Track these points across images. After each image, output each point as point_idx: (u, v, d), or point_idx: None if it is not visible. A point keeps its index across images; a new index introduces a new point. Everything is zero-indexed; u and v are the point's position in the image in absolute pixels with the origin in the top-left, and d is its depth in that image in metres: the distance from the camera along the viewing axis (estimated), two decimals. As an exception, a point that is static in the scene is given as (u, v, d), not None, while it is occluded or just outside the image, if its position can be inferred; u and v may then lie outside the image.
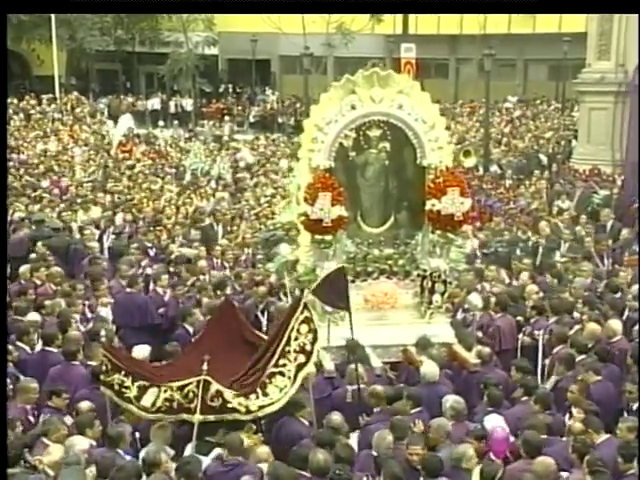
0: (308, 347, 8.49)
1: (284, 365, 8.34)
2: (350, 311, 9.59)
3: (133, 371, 8.34)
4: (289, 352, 8.38)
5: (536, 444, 7.86)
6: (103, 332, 10.67)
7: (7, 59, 32.19)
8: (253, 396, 8.12)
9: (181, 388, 8.07)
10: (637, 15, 21.82)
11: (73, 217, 17.10)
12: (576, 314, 11.76)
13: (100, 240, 15.87)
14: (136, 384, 8.24)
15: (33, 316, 11.07)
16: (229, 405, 8.06)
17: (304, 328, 8.49)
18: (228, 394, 8.07)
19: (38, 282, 12.81)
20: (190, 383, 8.03)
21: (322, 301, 10.13)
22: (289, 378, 8.32)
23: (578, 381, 9.38)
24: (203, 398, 7.97)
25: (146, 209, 18.46)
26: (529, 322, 11.85)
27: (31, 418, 8.73)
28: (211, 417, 8.04)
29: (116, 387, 8.30)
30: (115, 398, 8.35)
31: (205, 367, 8.01)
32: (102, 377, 8.41)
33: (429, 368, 9.65)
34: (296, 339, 8.43)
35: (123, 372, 8.28)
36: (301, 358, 8.44)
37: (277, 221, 13.69)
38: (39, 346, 10.41)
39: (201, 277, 13.70)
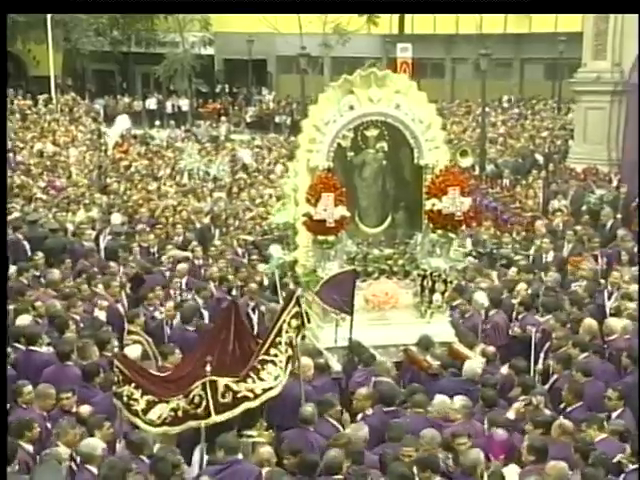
0: (294, 342, 8.53)
1: (275, 355, 8.32)
2: (352, 315, 9.56)
3: (143, 385, 8.21)
4: (280, 343, 8.38)
5: (542, 448, 7.78)
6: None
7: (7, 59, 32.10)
8: (250, 380, 8.08)
9: (186, 395, 7.97)
10: (632, 15, 21.81)
11: (67, 218, 17.05)
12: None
13: (96, 241, 15.85)
14: (145, 397, 8.13)
15: (22, 319, 10.96)
16: (239, 395, 8.00)
17: (294, 322, 8.50)
18: (233, 384, 7.99)
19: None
20: (195, 387, 7.93)
21: (323, 301, 10.07)
22: (281, 368, 8.31)
23: (571, 381, 9.40)
24: (214, 398, 7.89)
25: (142, 210, 18.44)
26: (517, 319, 11.92)
27: (48, 425, 8.61)
28: (228, 414, 7.95)
29: (125, 399, 8.20)
30: (124, 410, 8.26)
31: (208, 369, 7.94)
32: (114, 388, 8.34)
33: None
34: (287, 332, 8.44)
35: (133, 384, 8.17)
36: (289, 351, 8.46)
37: (272, 222, 13.64)
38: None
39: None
